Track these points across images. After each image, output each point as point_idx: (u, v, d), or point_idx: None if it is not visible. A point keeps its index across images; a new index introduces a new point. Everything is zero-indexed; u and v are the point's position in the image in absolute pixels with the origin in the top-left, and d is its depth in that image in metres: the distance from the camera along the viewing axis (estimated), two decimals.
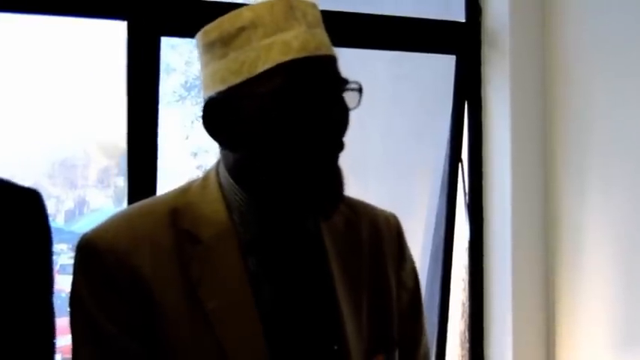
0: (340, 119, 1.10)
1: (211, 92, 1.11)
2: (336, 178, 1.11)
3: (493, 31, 2.66)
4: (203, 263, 1.10)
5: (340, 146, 1.10)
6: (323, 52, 1.10)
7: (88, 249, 1.11)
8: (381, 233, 1.25)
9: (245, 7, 1.10)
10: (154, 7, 2.22)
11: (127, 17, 2.19)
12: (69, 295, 1.13)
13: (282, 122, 1.07)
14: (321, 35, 1.11)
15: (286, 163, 1.08)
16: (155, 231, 1.11)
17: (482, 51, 2.68)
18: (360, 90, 1.12)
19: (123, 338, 1.07)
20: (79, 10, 2.19)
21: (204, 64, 1.13)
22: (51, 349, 1.29)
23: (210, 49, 1.11)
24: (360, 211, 1.24)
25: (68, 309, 1.13)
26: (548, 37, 2.59)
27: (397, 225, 1.29)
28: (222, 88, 1.10)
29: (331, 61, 1.11)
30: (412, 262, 1.30)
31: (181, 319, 1.07)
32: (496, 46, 2.64)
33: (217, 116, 1.11)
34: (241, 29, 1.08)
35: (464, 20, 2.70)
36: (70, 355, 1.12)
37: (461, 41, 2.68)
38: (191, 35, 2.63)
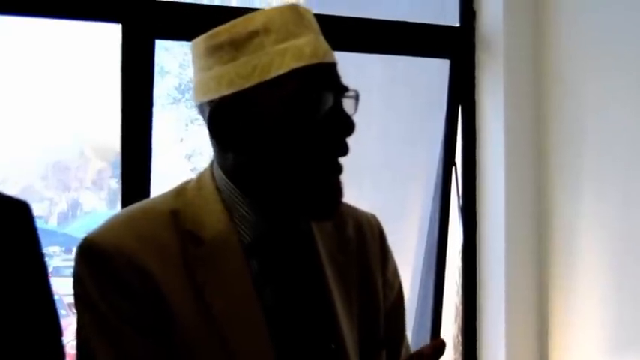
0: (349, 122, 1.12)
1: (214, 95, 1.11)
2: (338, 183, 1.13)
3: (487, 36, 2.67)
4: (207, 265, 1.10)
5: (346, 150, 1.13)
6: (328, 58, 1.13)
7: (93, 251, 1.09)
8: (365, 234, 1.28)
9: (257, 12, 1.11)
10: (148, 10, 2.22)
11: (121, 20, 2.19)
12: (74, 298, 1.11)
13: (294, 125, 1.09)
14: (325, 42, 1.14)
15: (295, 166, 1.10)
16: (158, 232, 1.11)
17: (476, 55, 2.69)
18: (357, 97, 1.15)
19: (138, 338, 1.06)
20: (73, 13, 2.20)
21: (206, 67, 1.12)
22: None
23: (215, 52, 1.11)
24: (345, 212, 1.26)
25: (73, 312, 1.12)
26: (542, 41, 2.60)
27: (379, 226, 1.32)
28: (228, 91, 1.10)
29: (335, 67, 1.14)
30: (394, 262, 1.33)
31: (189, 320, 1.08)
32: (490, 51, 2.65)
33: (224, 120, 1.11)
34: (254, 33, 1.09)
35: (458, 24, 2.71)
36: (70, 358, 1.12)
37: (455, 45, 2.69)
38: (185, 38, 2.64)
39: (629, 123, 2.30)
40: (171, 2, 2.29)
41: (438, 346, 1.07)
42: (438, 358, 1.07)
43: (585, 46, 2.45)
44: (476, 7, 2.69)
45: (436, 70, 2.83)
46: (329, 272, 1.18)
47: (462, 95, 2.70)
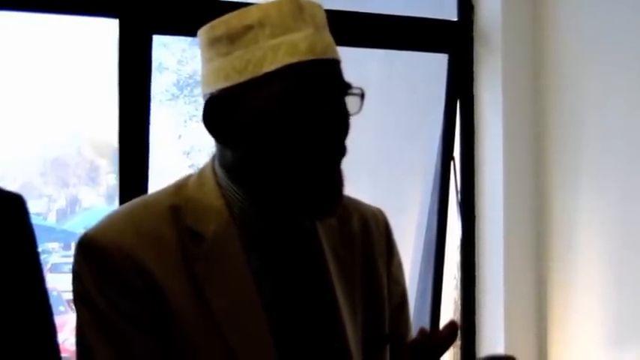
0: (343, 123, 1.10)
1: (213, 89, 1.10)
2: (336, 182, 1.11)
3: (485, 30, 2.66)
4: (208, 261, 1.09)
5: (343, 151, 1.10)
6: (329, 55, 1.09)
7: (92, 247, 1.09)
8: (371, 228, 1.26)
9: (254, 5, 1.09)
10: (145, 4, 2.21)
11: (118, 15, 2.18)
12: (73, 294, 1.11)
13: (286, 124, 1.07)
14: (328, 38, 1.11)
15: (287, 165, 1.08)
16: (158, 227, 1.10)
17: (474, 49, 2.68)
18: (362, 95, 1.12)
19: (137, 335, 1.06)
20: (70, 8, 2.19)
21: (207, 60, 1.12)
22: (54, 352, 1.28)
23: (214, 45, 1.10)
24: (349, 206, 1.24)
25: (72, 309, 1.11)
26: (540, 35, 2.60)
27: (385, 220, 1.30)
28: (224, 85, 1.09)
29: (336, 64, 1.11)
30: (399, 257, 1.31)
31: (189, 317, 1.07)
32: (488, 45, 2.65)
33: (219, 114, 1.10)
34: (249, 27, 1.07)
35: (456, 19, 2.70)
36: (68, 354, 1.11)
37: (453, 40, 2.69)
38: (183, 33, 2.63)
39: (628, 117, 2.29)
40: None
41: (447, 334, 1.04)
42: (447, 345, 1.05)
43: (584, 41, 2.45)
44: (474, 1, 2.68)
45: (434, 65, 2.82)
46: (332, 268, 1.17)
47: (460, 89, 2.70)
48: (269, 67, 1.06)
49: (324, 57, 1.08)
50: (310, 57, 1.06)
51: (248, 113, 1.08)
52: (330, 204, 1.11)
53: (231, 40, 1.08)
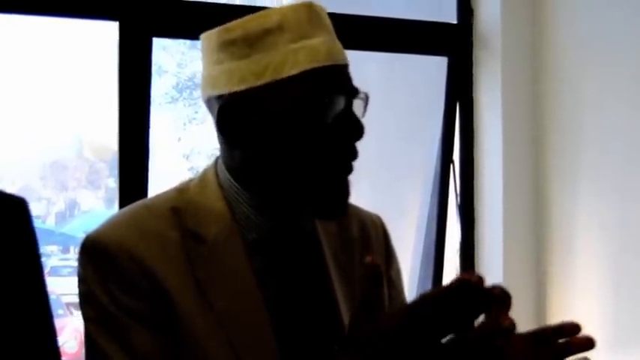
0: (359, 126, 1.11)
1: (223, 91, 1.11)
2: (346, 184, 1.13)
3: (485, 33, 2.66)
4: (209, 263, 1.10)
5: (355, 153, 1.12)
6: (342, 60, 1.12)
7: (96, 248, 1.09)
8: (369, 235, 1.27)
9: (272, 9, 1.10)
10: (145, 7, 2.21)
11: (118, 18, 2.18)
12: (79, 297, 1.11)
13: (304, 126, 1.08)
14: (339, 43, 1.13)
15: (303, 166, 1.09)
16: (160, 229, 1.10)
17: (473, 52, 2.69)
18: (366, 100, 1.14)
19: (146, 333, 1.06)
20: (70, 11, 2.19)
21: (217, 61, 1.12)
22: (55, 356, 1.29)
23: (228, 47, 1.10)
24: (349, 211, 1.25)
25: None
26: (540, 38, 2.60)
27: (383, 226, 1.32)
28: (238, 88, 1.09)
29: (347, 69, 1.13)
30: (398, 262, 1.33)
31: (192, 318, 1.07)
32: (488, 48, 2.65)
33: (234, 116, 1.11)
34: (268, 31, 1.08)
35: (456, 22, 2.71)
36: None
37: (453, 43, 2.69)
38: (183, 36, 2.62)
39: (627, 120, 2.30)
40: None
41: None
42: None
43: (583, 44, 2.45)
44: (473, 4, 2.69)
45: (434, 68, 2.83)
46: (333, 272, 1.18)
47: (460, 93, 2.70)
48: (289, 71, 1.07)
49: (339, 62, 1.11)
50: (329, 62, 1.09)
51: (265, 116, 1.09)
52: (340, 203, 1.12)
53: (249, 43, 1.09)
